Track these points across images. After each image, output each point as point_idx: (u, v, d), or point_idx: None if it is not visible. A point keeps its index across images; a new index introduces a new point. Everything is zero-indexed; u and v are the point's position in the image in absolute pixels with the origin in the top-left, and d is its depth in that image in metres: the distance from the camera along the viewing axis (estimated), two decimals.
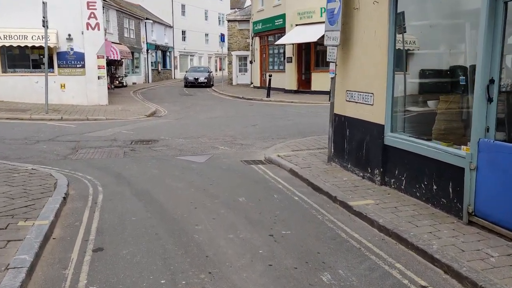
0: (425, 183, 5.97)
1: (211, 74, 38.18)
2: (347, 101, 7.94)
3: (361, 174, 7.47)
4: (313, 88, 25.12)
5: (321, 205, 6.48)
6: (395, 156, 6.63)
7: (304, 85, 26.58)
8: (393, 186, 6.73)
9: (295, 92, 26.31)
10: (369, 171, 7.22)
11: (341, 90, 8.14)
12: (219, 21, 59.81)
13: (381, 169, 6.90)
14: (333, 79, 8.19)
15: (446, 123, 6.16)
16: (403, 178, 6.47)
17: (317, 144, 10.81)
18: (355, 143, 7.68)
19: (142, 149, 10.87)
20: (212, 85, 36.82)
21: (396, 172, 6.62)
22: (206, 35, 59.45)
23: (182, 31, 53.60)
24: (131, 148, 11.06)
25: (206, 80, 35.86)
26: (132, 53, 38.31)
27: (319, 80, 24.65)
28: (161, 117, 17.70)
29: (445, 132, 6.09)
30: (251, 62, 35.87)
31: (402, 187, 6.50)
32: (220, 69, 46.63)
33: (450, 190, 5.52)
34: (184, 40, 54.32)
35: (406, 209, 5.87)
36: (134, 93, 30.16)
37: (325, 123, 15.11)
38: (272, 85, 24.59)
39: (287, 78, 26.80)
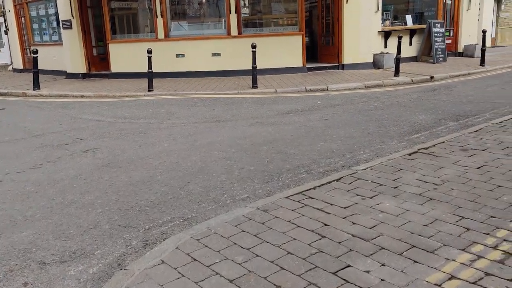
0: None
1: None
2: None
3: None
4: (113, 69, 15.71)
5: None
6: None
7: (98, 65, 16.85)
8: None
9: (85, 76, 16.46)
10: None
11: None
12: None
13: None
14: None
15: None
16: None
17: None
18: None
19: None
20: None
21: None
22: None
23: None
24: None
25: None
26: None
27: (124, 56, 15.45)
28: None
29: None
30: (6, 33, 23.92)
31: None
32: None
33: None
34: None
35: None
36: None
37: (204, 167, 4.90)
38: (44, 67, 14.41)
39: (69, 54, 16.65)
